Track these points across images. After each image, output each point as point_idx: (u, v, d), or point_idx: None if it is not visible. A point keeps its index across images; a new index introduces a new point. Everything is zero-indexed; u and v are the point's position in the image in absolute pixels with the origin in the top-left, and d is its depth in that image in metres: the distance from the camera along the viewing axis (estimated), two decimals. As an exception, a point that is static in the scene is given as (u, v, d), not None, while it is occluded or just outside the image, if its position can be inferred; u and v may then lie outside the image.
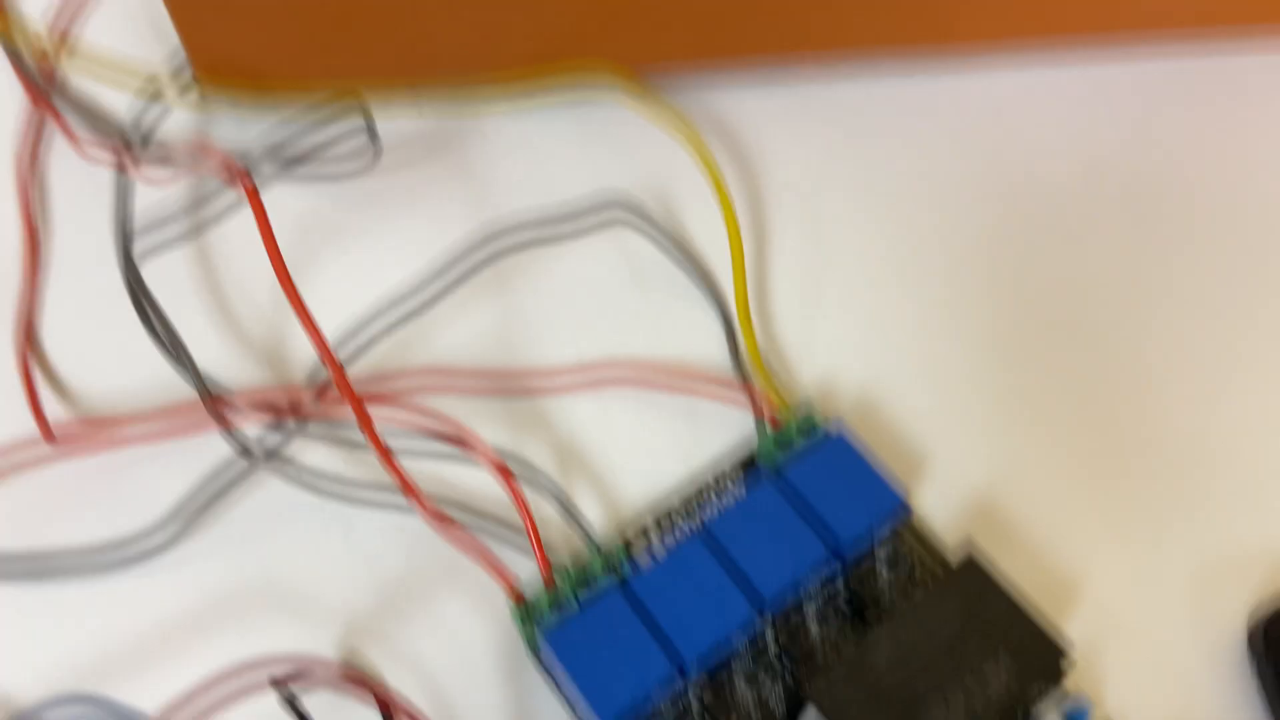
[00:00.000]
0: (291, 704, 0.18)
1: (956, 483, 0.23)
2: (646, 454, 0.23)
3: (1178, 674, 0.21)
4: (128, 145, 0.26)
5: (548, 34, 0.26)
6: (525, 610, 0.20)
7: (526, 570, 0.21)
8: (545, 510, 0.22)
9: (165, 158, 0.25)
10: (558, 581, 0.21)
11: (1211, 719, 0.20)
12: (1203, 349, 0.25)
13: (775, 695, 0.20)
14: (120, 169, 0.25)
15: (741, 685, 0.20)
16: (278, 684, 0.19)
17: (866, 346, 0.25)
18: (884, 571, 0.21)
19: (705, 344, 0.25)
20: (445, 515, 0.21)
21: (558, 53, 0.27)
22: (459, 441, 0.22)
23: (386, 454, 0.21)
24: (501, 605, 0.21)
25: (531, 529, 0.21)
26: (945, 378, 0.24)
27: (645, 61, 0.27)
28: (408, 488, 0.21)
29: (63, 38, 0.27)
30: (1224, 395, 0.24)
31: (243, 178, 0.21)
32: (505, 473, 0.21)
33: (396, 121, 0.27)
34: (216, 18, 0.25)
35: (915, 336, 0.25)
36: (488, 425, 0.23)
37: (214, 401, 0.22)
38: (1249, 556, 0.22)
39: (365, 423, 0.20)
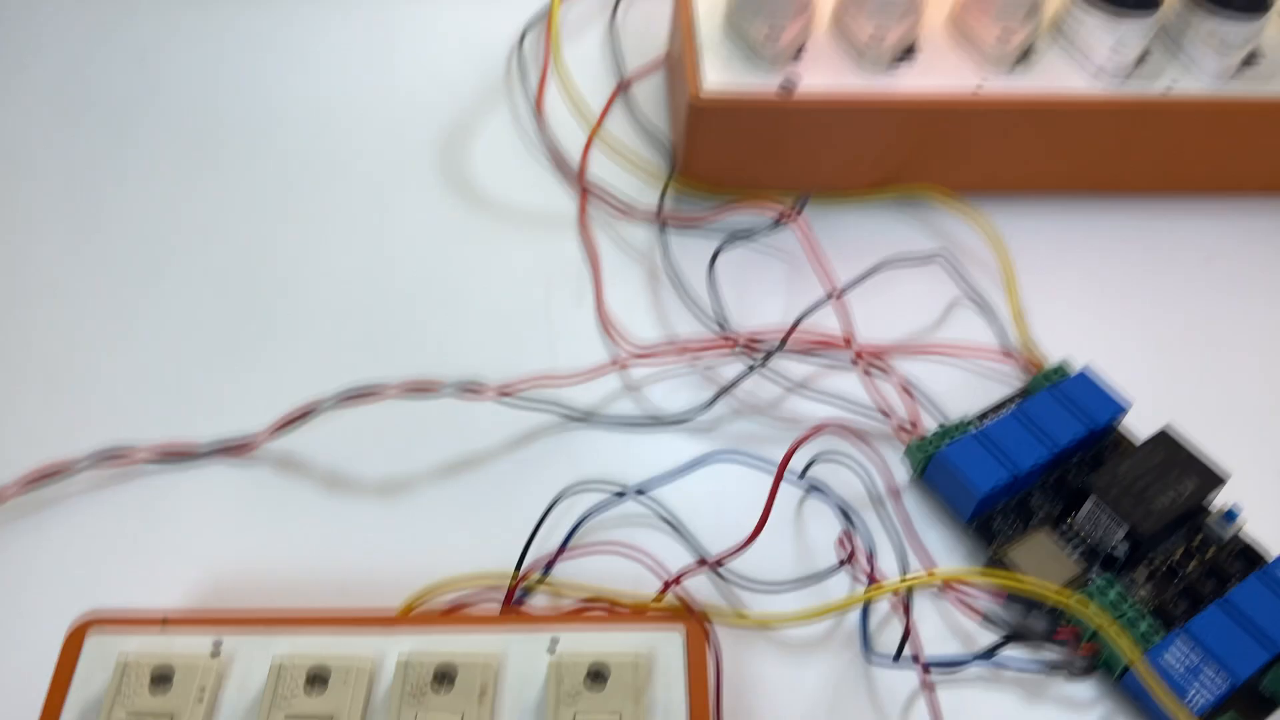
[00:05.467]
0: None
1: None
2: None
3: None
4: (659, 210, 0.46)
5: (890, 165, 0.46)
6: (920, 443, 0.38)
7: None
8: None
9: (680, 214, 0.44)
10: (929, 437, 0.38)
11: None
12: None
13: (1053, 504, 0.37)
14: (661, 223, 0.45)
15: (1037, 496, 0.37)
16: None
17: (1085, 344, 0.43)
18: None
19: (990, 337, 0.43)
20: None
21: (896, 179, 0.46)
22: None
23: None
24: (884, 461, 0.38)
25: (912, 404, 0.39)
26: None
27: (958, 187, 0.47)
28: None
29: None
30: None
31: (788, 214, 0.40)
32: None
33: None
34: (704, 157, 0.46)
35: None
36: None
37: (728, 339, 0.41)
38: None
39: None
